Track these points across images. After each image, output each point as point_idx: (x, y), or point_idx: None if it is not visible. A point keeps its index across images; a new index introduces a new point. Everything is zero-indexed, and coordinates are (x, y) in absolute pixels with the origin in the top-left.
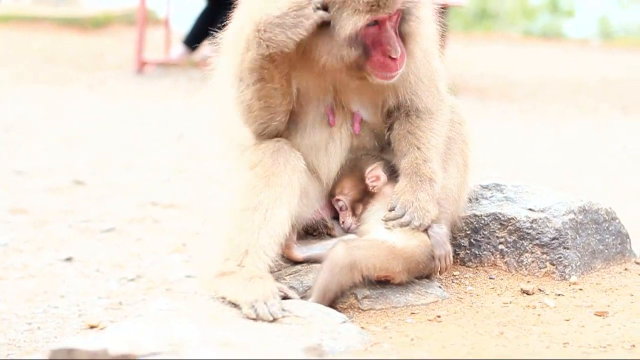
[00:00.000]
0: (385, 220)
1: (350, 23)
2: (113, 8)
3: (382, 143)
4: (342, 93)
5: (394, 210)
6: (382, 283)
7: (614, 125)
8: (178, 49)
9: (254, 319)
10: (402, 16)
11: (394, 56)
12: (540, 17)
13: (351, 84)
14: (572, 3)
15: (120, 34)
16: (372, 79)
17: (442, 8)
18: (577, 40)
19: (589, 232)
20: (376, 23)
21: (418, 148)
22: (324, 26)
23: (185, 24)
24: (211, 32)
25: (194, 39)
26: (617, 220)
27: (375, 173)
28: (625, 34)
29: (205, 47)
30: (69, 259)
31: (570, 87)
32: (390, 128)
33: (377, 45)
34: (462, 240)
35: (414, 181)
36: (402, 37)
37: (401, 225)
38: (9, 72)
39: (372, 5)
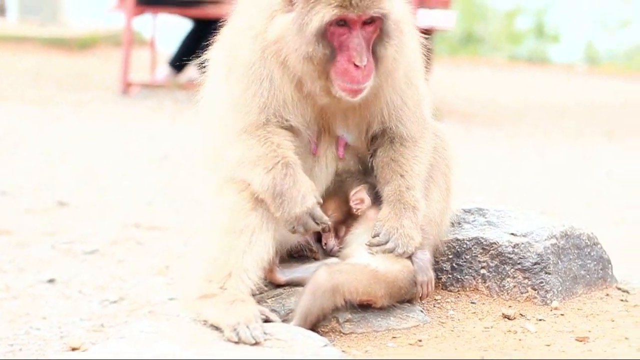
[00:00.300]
0: (369, 246)
1: (318, 17)
2: (99, 29)
3: (366, 167)
4: (329, 118)
5: (378, 236)
6: (364, 307)
7: (599, 150)
8: (164, 70)
9: (235, 342)
10: (381, 37)
11: (357, 63)
12: (526, 42)
13: (325, 102)
14: (558, 28)
15: (106, 54)
16: (335, 90)
17: (428, 32)
18: (562, 65)
19: (571, 257)
20: (346, 24)
21: (401, 176)
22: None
23: (171, 45)
24: (197, 53)
25: (180, 61)
26: (598, 246)
27: (359, 196)
28: (610, 59)
29: (191, 69)
30: (51, 281)
31: (556, 112)
32: (373, 154)
33: (344, 49)
34: (444, 265)
35: (397, 208)
36: (377, 58)
37: (385, 252)
38: None
39: (343, 1)
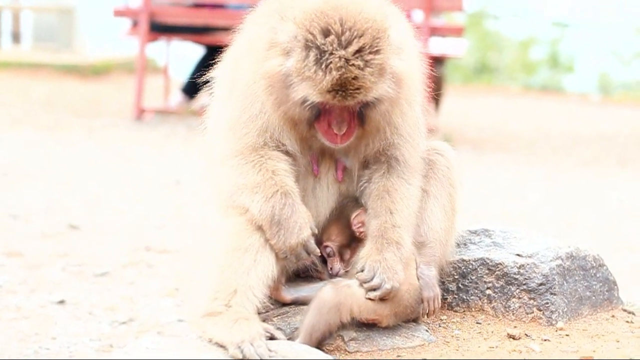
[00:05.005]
0: (359, 281)
1: (302, 92)
2: (113, 56)
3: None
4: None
5: (363, 272)
6: (369, 325)
7: (611, 178)
8: (177, 96)
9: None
10: (368, 104)
11: (336, 132)
12: (540, 71)
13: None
14: (572, 58)
15: (120, 81)
16: (320, 137)
17: (440, 59)
18: (576, 94)
19: (577, 278)
20: None
21: (391, 212)
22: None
23: (184, 72)
24: (209, 80)
25: (193, 87)
26: (604, 267)
27: (360, 219)
28: (624, 89)
29: (204, 95)
30: (61, 302)
31: (569, 140)
32: (369, 180)
33: (326, 113)
34: (450, 285)
35: (379, 243)
36: (363, 117)
37: (372, 289)
38: (8, 118)
39: (329, 92)
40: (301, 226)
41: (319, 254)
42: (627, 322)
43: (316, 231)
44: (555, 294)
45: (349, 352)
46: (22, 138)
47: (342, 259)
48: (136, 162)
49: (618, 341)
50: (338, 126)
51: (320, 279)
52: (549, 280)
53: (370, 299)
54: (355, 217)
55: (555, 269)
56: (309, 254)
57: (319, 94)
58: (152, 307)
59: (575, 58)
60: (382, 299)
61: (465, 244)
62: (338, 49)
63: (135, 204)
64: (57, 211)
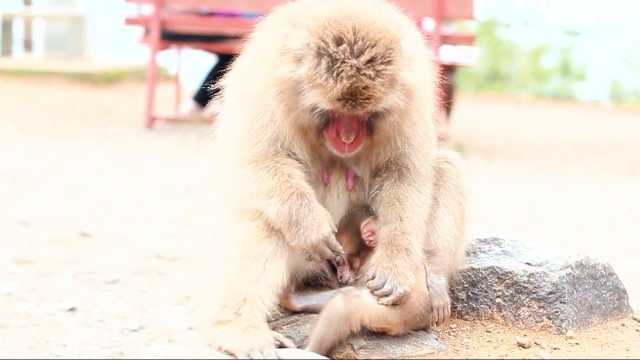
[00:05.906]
0: (369, 288)
1: (313, 99)
2: (124, 64)
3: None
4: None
5: (373, 279)
6: (379, 334)
7: (621, 185)
8: (188, 104)
9: None
10: (377, 114)
11: (344, 141)
12: (552, 79)
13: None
14: (584, 66)
15: (131, 89)
16: (328, 145)
17: (451, 68)
18: (588, 102)
19: (586, 287)
20: None
21: (401, 220)
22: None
23: (195, 80)
24: (221, 88)
25: (204, 95)
26: (614, 276)
27: (370, 227)
28: (636, 97)
29: (215, 103)
30: (72, 309)
31: (580, 148)
32: (380, 187)
33: (336, 120)
34: (460, 294)
35: (389, 250)
36: (372, 127)
37: (384, 295)
38: (19, 125)
39: (339, 100)
40: (320, 222)
41: (342, 251)
42: (637, 330)
43: (336, 229)
44: (565, 303)
45: None
46: (32, 145)
47: (351, 268)
48: (147, 170)
49: (628, 350)
50: (346, 135)
51: (330, 288)
52: (558, 289)
53: (382, 304)
54: (365, 226)
55: (565, 278)
56: (332, 250)
57: (329, 102)
58: (162, 315)
59: (587, 66)
60: (393, 305)
61: (474, 253)
62: (350, 57)
63: (146, 212)
64: (67, 218)
